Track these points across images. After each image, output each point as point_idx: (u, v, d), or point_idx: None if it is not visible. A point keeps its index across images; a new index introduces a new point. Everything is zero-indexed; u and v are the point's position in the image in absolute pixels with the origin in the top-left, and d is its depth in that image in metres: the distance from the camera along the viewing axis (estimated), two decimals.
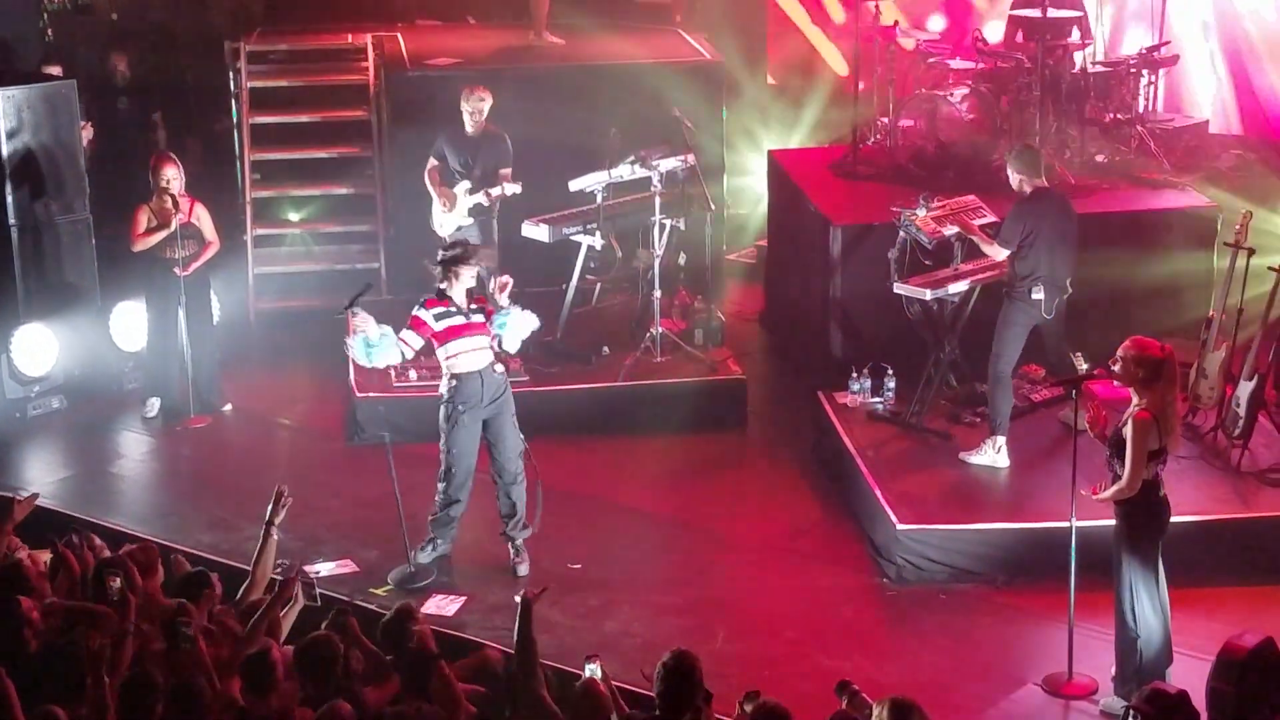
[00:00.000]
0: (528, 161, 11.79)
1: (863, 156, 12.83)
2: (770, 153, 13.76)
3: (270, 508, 7.71)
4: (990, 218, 10.46)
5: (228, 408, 11.78)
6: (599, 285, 12.60)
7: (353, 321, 9.20)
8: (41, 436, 11.53)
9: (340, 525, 9.99)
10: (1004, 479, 9.94)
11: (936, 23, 14.47)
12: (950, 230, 10.36)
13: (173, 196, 11.12)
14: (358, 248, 13.89)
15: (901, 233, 10.42)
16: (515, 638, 6.69)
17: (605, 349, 11.83)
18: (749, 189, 14.75)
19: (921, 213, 10.37)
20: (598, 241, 11.65)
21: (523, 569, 9.36)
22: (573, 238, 11.70)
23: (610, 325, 12.33)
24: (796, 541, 9.89)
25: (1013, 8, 13.16)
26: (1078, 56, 12.80)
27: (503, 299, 9.31)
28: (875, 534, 9.63)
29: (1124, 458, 7.70)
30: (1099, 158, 12.54)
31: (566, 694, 6.53)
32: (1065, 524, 8.08)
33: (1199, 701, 6.10)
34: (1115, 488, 7.77)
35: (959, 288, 10.29)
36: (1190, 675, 7.26)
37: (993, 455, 9.97)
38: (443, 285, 9.19)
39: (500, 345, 9.27)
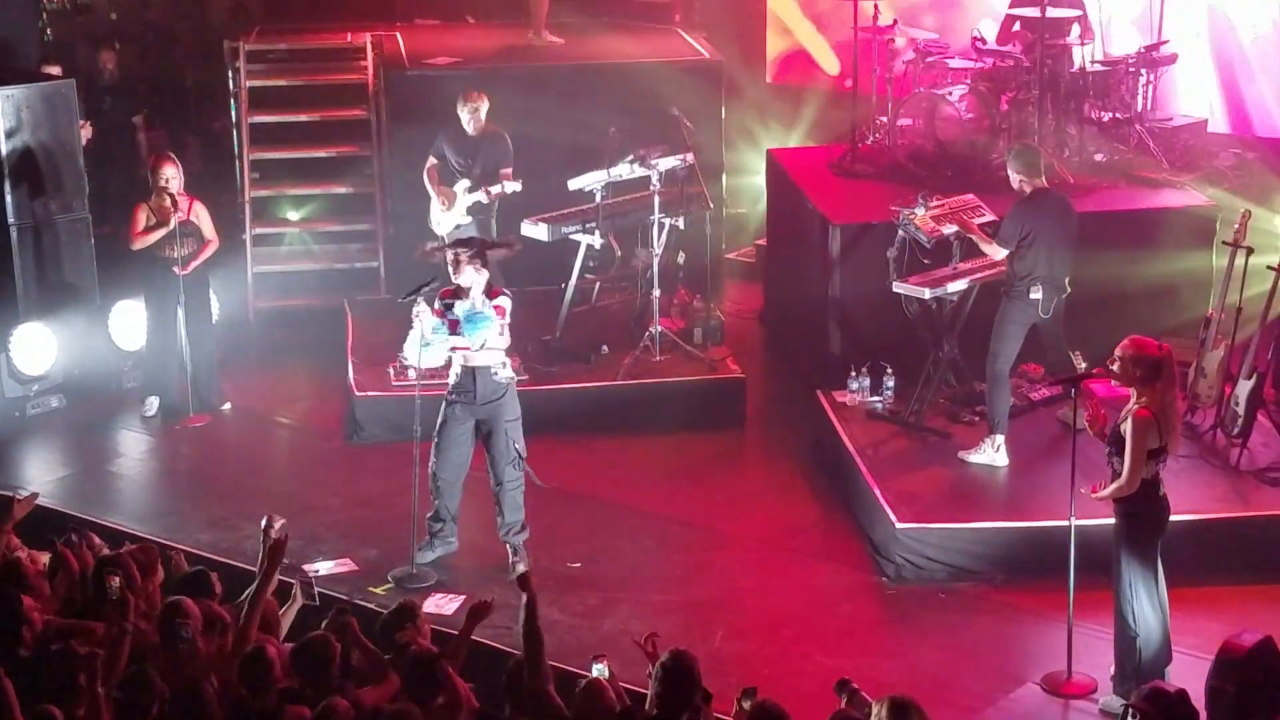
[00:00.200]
0: (527, 160, 11.80)
1: (862, 155, 12.83)
2: (769, 152, 13.76)
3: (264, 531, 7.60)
4: (989, 217, 10.46)
5: (227, 406, 11.79)
6: (598, 284, 12.59)
7: (415, 310, 9.11)
8: (40, 435, 11.53)
9: (339, 524, 10.00)
10: (1003, 478, 9.94)
11: (928, 20, 14.45)
12: (949, 229, 10.37)
13: (171, 195, 11.12)
14: (357, 247, 13.88)
15: (900, 232, 10.43)
16: (522, 632, 6.67)
17: (604, 348, 11.83)
18: (748, 188, 14.75)
19: (920, 212, 10.37)
20: (597, 240, 11.66)
21: (522, 568, 9.34)
22: (572, 237, 11.70)
23: (609, 324, 12.32)
24: (795, 540, 9.89)
25: (1011, 6, 13.15)
26: (1077, 55, 12.80)
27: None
28: (874, 533, 9.64)
29: (1123, 456, 7.70)
30: (1098, 157, 12.54)
31: (568, 693, 6.52)
32: (1064, 523, 8.09)
33: (1198, 700, 6.11)
34: (1114, 486, 7.77)
35: (958, 287, 10.30)
36: (1189, 674, 7.27)
37: (991, 454, 9.97)
38: (456, 278, 9.17)
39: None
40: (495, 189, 11.46)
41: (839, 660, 8.28)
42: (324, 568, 9.30)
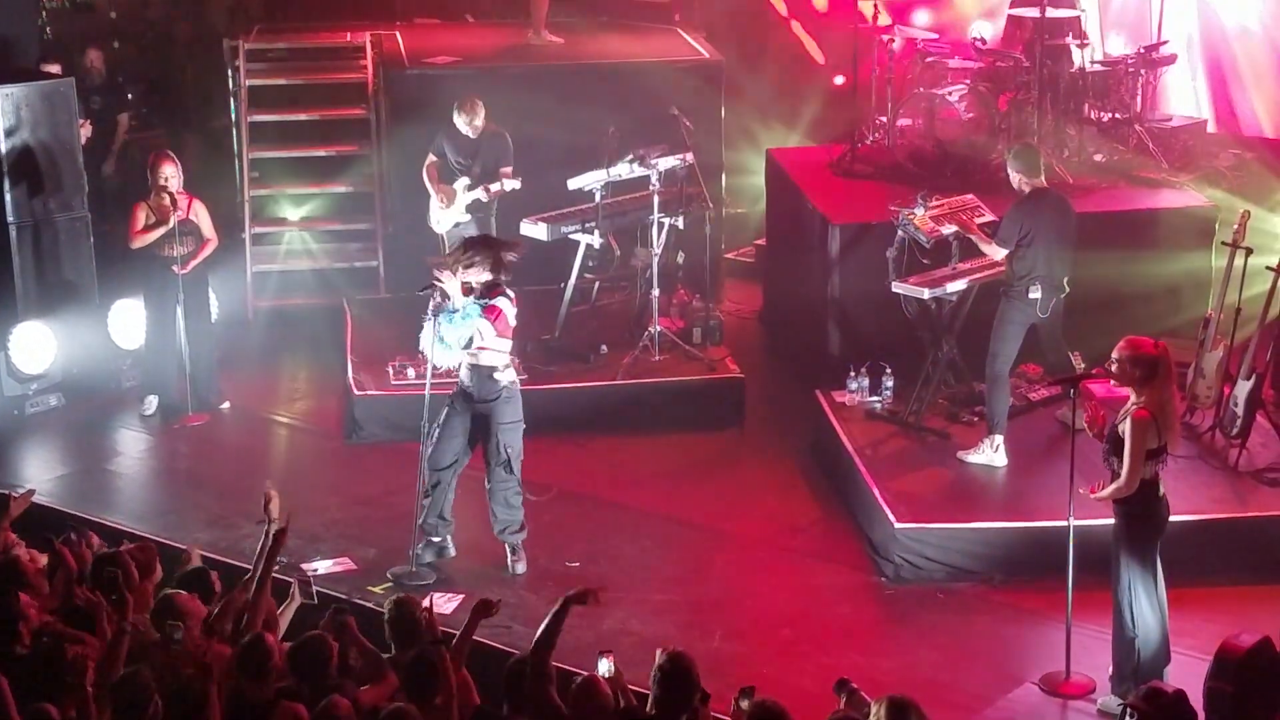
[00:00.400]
0: (526, 160, 11.80)
1: (861, 155, 12.83)
2: (769, 151, 13.76)
3: (265, 510, 7.63)
4: (989, 217, 10.46)
5: (225, 405, 11.78)
6: (597, 284, 12.59)
7: (438, 288, 9.06)
8: (39, 434, 11.53)
9: (338, 523, 9.99)
10: (1002, 478, 9.94)
11: (921, 17, 14.46)
12: (948, 229, 10.37)
13: (171, 194, 11.11)
14: (356, 246, 13.88)
15: (900, 232, 10.43)
16: (541, 633, 6.66)
17: (604, 348, 11.83)
18: (747, 188, 14.74)
19: (920, 212, 10.37)
20: (596, 240, 11.66)
21: (520, 567, 9.36)
22: (571, 236, 11.70)
23: (609, 324, 12.33)
24: (794, 540, 9.89)
25: (1011, 6, 13.16)
26: (1076, 56, 12.80)
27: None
28: (873, 533, 9.64)
29: (1122, 456, 7.70)
30: (1097, 157, 12.55)
31: (565, 691, 6.52)
32: (1063, 523, 8.08)
33: (1196, 701, 6.11)
34: (1114, 486, 7.77)
35: (957, 287, 10.30)
36: (1188, 675, 7.26)
37: (990, 454, 9.98)
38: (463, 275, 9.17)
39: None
40: (495, 187, 11.46)
41: (837, 660, 8.28)
42: (322, 567, 9.30)
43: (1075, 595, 8.05)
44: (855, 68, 13.17)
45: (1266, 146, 13.22)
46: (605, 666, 6.58)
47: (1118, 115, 12.68)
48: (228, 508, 10.11)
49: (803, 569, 9.55)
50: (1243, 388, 9.95)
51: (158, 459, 11.23)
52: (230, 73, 13.83)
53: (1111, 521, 7.93)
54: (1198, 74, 13.47)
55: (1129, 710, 6.00)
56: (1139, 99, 12.85)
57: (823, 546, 9.80)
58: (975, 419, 10.44)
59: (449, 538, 9.42)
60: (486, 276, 9.12)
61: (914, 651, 8.60)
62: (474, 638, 8.37)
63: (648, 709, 6.27)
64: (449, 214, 11.62)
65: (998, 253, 9.94)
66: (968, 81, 12.47)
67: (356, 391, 11.36)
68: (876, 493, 9.65)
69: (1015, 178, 9.86)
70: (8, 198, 11.66)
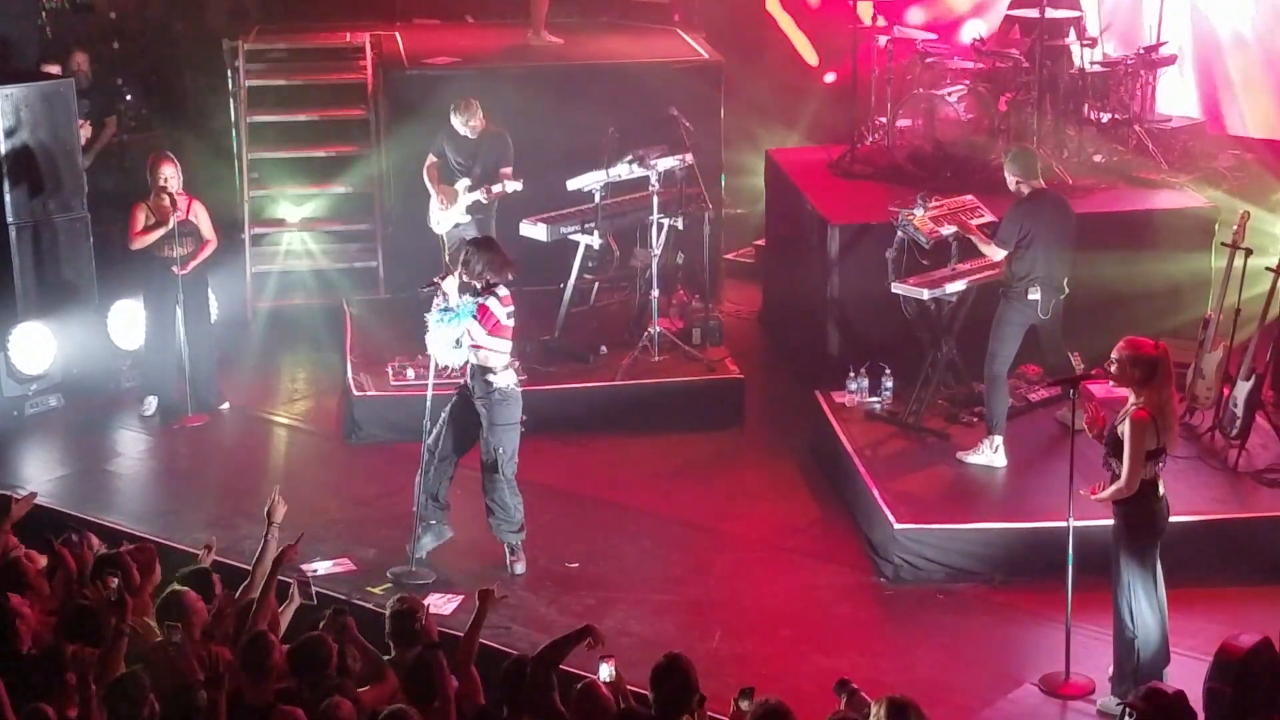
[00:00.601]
0: (526, 160, 11.79)
1: (861, 156, 12.83)
2: (768, 152, 13.76)
3: (267, 515, 7.68)
4: (988, 217, 10.46)
5: (225, 406, 11.78)
6: (597, 284, 12.59)
7: (440, 286, 9.10)
8: (39, 434, 11.53)
9: (338, 524, 9.99)
10: (1001, 479, 9.94)
11: (915, 15, 14.46)
12: (948, 230, 10.37)
13: (170, 195, 11.11)
14: (356, 246, 13.88)
15: (899, 232, 10.43)
16: (549, 648, 6.68)
17: (603, 348, 11.83)
18: (747, 188, 14.74)
19: (919, 212, 10.37)
20: (596, 241, 11.65)
21: (519, 568, 9.36)
22: (571, 237, 11.70)
23: (608, 325, 12.33)
24: (793, 540, 9.89)
25: (1011, 7, 13.16)
26: (1075, 56, 12.81)
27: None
28: (872, 533, 9.64)
29: (1122, 457, 7.70)
30: (1097, 158, 12.55)
31: (566, 694, 6.52)
32: (1063, 524, 8.08)
33: (1196, 702, 6.11)
34: (1114, 487, 7.77)
35: (956, 287, 10.30)
36: (1188, 675, 7.27)
37: (990, 455, 9.98)
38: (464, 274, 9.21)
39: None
40: (495, 188, 11.46)
41: (837, 660, 8.28)
42: (322, 567, 9.30)
43: (1075, 596, 8.05)
44: (855, 69, 13.17)
45: (1266, 147, 13.22)
46: (606, 671, 6.58)
47: (1117, 116, 12.69)
48: (227, 508, 10.12)
49: (803, 569, 9.54)
50: (1242, 388, 9.95)
51: (157, 460, 11.23)
52: (230, 73, 13.82)
53: (1111, 522, 7.93)
54: (1187, 76, 13.48)
55: (1128, 710, 6.00)
56: (1138, 100, 12.85)
57: (822, 547, 9.80)
58: (975, 420, 10.45)
59: (444, 523, 9.45)
60: (484, 277, 9.14)
61: (914, 652, 8.61)
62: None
63: (645, 709, 6.27)
64: (449, 215, 11.61)
65: (997, 254, 9.95)
66: (967, 82, 12.47)
67: (356, 392, 11.36)
68: (876, 493, 9.65)
69: (1012, 180, 9.86)
70: (7, 198, 11.65)
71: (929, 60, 12.86)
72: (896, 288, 10.31)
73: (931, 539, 9.33)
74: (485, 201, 11.52)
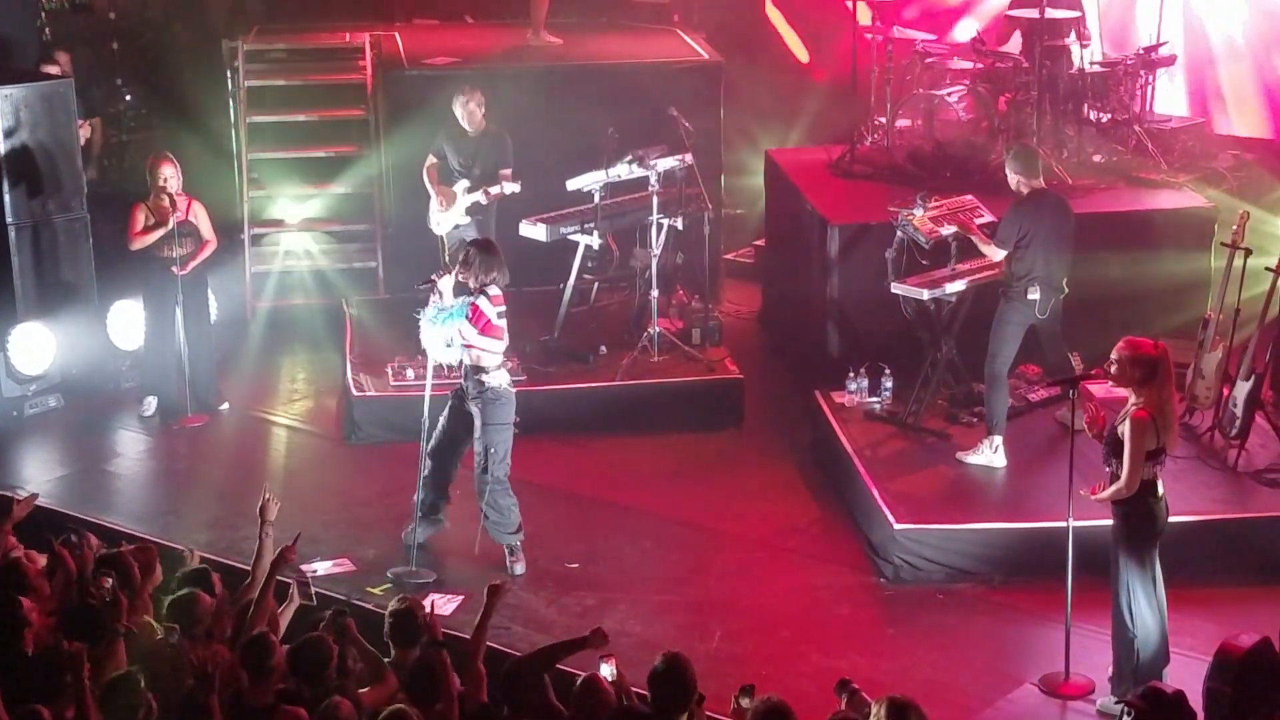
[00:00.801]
0: (525, 161, 11.79)
1: (860, 156, 12.83)
2: (768, 152, 13.76)
3: (260, 513, 7.70)
4: (988, 217, 10.46)
5: (224, 406, 11.78)
6: (596, 285, 12.60)
7: (436, 284, 9.14)
8: (38, 435, 11.53)
9: (337, 524, 9.99)
10: (1001, 479, 9.94)
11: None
12: (947, 230, 10.37)
13: (170, 195, 11.11)
14: (355, 246, 13.87)
15: (899, 232, 10.43)
16: (544, 651, 6.69)
17: (603, 348, 11.83)
18: (747, 188, 14.74)
19: (919, 212, 10.37)
20: (595, 241, 11.66)
21: (519, 568, 9.36)
22: (570, 237, 11.70)
23: (608, 325, 12.33)
24: (793, 541, 9.89)
25: (1011, 7, 13.16)
26: (1075, 57, 12.80)
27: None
28: (872, 533, 9.64)
29: (1122, 458, 7.70)
30: (1096, 158, 12.55)
31: (566, 692, 6.52)
32: (1062, 524, 8.09)
33: (1196, 701, 6.11)
34: (1114, 488, 7.77)
35: (956, 288, 10.30)
36: (1187, 675, 7.27)
37: (990, 455, 9.98)
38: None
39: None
40: (494, 190, 11.45)
41: (837, 661, 8.29)
42: (322, 568, 9.30)
43: (1074, 596, 8.05)
44: (855, 69, 13.16)
45: (1266, 147, 13.23)
46: (607, 671, 6.58)
47: (1117, 116, 12.69)
48: (227, 508, 10.11)
49: (802, 570, 9.54)
50: (1242, 388, 9.95)
51: (157, 460, 11.23)
52: (229, 74, 13.83)
53: (1110, 522, 7.93)
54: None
55: (1127, 709, 6.00)
56: (1138, 100, 12.85)
57: (822, 547, 9.80)
58: (974, 420, 10.44)
59: (442, 515, 9.51)
60: (479, 277, 9.15)
61: (913, 652, 8.60)
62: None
63: (644, 707, 6.28)
64: (448, 216, 11.61)
65: (996, 254, 9.95)
66: (966, 82, 12.48)
67: (356, 392, 11.36)
68: (876, 493, 9.65)
69: (1014, 179, 9.86)
70: (6, 199, 11.65)
71: (928, 60, 12.86)
72: (896, 288, 10.31)
73: (931, 539, 9.33)
74: (485, 203, 11.52)
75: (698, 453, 11.04)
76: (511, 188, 11.45)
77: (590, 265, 12.22)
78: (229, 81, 13.85)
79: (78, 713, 6.22)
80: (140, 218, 11.22)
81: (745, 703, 6.32)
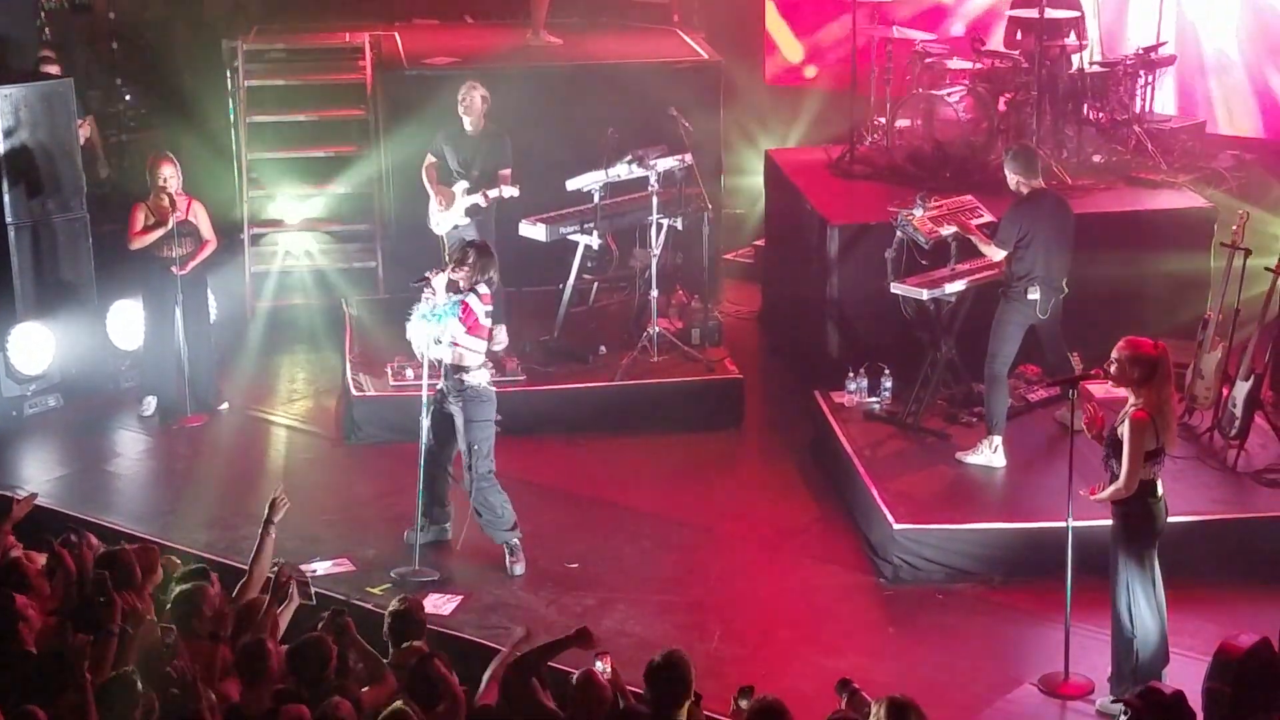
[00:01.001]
0: (525, 161, 11.77)
1: (860, 156, 12.83)
2: (767, 152, 13.76)
3: (268, 510, 7.73)
4: (987, 218, 10.47)
5: (224, 406, 11.78)
6: (596, 285, 12.59)
7: (430, 281, 9.17)
8: (38, 435, 11.53)
9: (337, 524, 9.99)
10: (1000, 479, 9.94)
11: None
12: (947, 230, 10.37)
13: (170, 195, 11.11)
14: (355, 246, 13.87)
15: (899, 233, 10.43)
16: (534, 652, 6.69)
17: (602, 348, 11.84)
18: (746, 188, 14.75)
19: (918, 213, 10.37)
20: (595, 241, 11.65)
21: (518, 568, 9.36)
22: (570, 237, 11.70)
23: (607, 325, 12.33)
24: (793, 540, 9.89)
25: (1012, 7, 13.16)
26: (1075, 57, 12.80)
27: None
28: (872, 533, 9.64)
29: (1120, 459, 7.70)
30: (1096, 158, 12.55)
31: (565, 692, 6.53)
32: (1062, 524, 8.09)
33: (1195, 702, 6.11)
34: (1113, 488, 7.77)
35: (955, 288, 10.29)
36: (1186, 675, 7.26)
37: (989, 455, 9.98)
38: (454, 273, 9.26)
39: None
40: (493, 193, 11.43)
41: (836, 661, 8.28)
42: (321, 568, 9.30)
43: (1074, 596, 8.05)
44: (854, 69, 13.16)
45: (1265, 147, 13.23)
46: (601, 669, 6.57)
47: (1116, 116, 12.69)
48: (226, 508, 10.12)
49: (801, 569, 9.54)
50: (1241, 389, 9.95)
51: (156, 460, 11.22)
52: (229, 73, 13.83)
53: (1110, 522, 7.93)
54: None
55: (1125, 709, 5.99)
56: (1138, 100, 12.85)
57: (822, 547, 9.80)
58: (974, 420, 10.44)
59: (445, 523, 9.55)
60: (474, 276, 9.16)
61: (913, 652, 8.61)
62: (472, 638, 8.40)
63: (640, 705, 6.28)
64: (448, 216, 11.60)
65: (996, 254, 9.95)
66: (966, 82, 12.47)
67: (355, 392, 11.36)
68: (875, 493, 9.65)
69: (1013, 179, 9.86)
70: (6, 199, 11.65)
71: (928, 60, 12.86)
72: (896, 288, 10.31)
73: (931, 539, 9.33)
74: (484, 205, 11.50)
75: (698, 453, 11.04)
76: (510, 191, 11.42)
77: (590, 265, 12.21)
78: (229, 81, 13.86)
79: (79, 712, 6.22)
80: (140, 217, 11.22)
81: (745, 704, 6.32)
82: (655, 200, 11.52)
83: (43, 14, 15.30)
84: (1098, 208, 11.56)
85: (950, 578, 9.28)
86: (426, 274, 9.29)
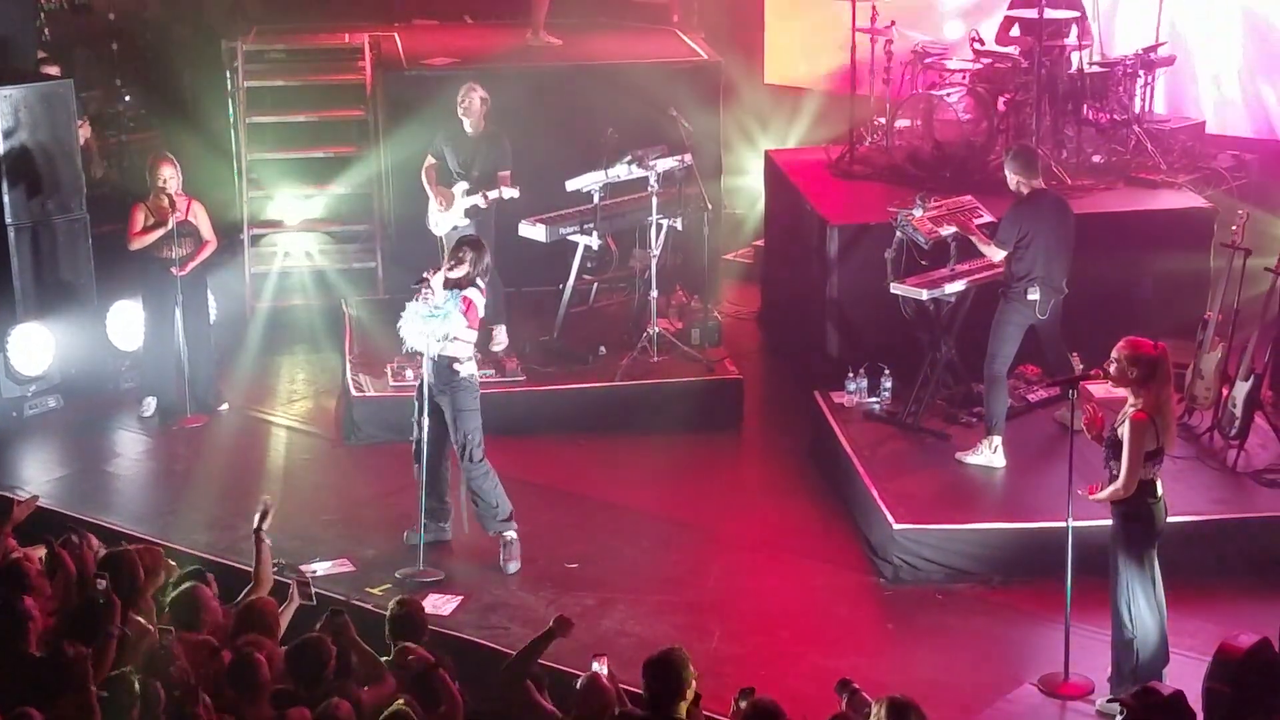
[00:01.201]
0: (525, 161, 11.77)
1: (860, 157, 12.83)
2: (767, 153, 13.76)
3: (256, 519, 7.73)
4: (987, 218, 10.46)
5: (224, 407, 11.78)
6: (596, 285, 12.60)
7: (429, 282, 9.20)
8: (38, 435, 11.53)
9: (337, 524, 10.00)
10: (1000, 479, 9.94)
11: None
12: (947, 230, 10.37)
13: (169, 196, 11.12)
14: (355, 247, 13.87)
15: (898, 233, 10.43)
16: (517, 658, 6.71)
17: (602, 349, 11.83)
18: (746, 189, 14.75)
19: (918, 213, 10.37)
20: (595, 241, 11.65)
21: (512, 566, 9.35)
22: (570, 238, 11.70)
23: (607, 325, 12.33)
24: (793, 541, 9.89)
25: (1011, 7, 13.16)
26: (1074, 57, 12.80)
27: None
28: (871, 533, 9.64)
29: (1120, 459, 7.70)
30: (1096, 158, 12.55)
31: (565, 693, 6.53)
32: (1062, 524, 8.08)
33: (1195, 702, 6.11)
34: (1112, 488, 7.77)
35: (955, 288, 10.30)
36: (1186, 676, 7.27)
37: (989, 455, 9.98)
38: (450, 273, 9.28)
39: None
40: (493, 194, 11.43)
41: (836, 661, 8.27)
42: (321, 568, 9.30)
43: (1074, 596, 8.05)
44: (854, 69, 13.16)
45: (1266, 147, 13.23)
46: (598, 668, 6.58)
47: (1116, 116, 12.69)
48: (226, 509, 10.12)
49: (801, 570, 9.54)
50: (1241, 389, 9.95)
51: (156, 460, 11.22)
52: (228, 74, 13.82)
53: (1109, 522, 7.93)
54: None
55: (1122, 709, 6.00)
56: (1137, 100, 12.85)
57: (821, 547, 9.79)
58: (974, 420, 10.44)
59: (445, 523, 9.55)
60: (471, 271, 9.18)
61: (913, 652, 8.61)
62: (472, 639, 8.40)
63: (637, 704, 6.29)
64: (447, 217, 11.60)
65: (996, 254, 9.95)
66: (966, 83, 12.47)
67: (355, 393, 11.36)
68: (875, 494, 9.65)
69: (1013, 179, 9.86)
70: (6, 199, 11.64)
71: (928, 60, 12.86)
72: (895, 288, 10.31)
73: (930, 539, 9.33)
74: (483, 206, 11.50)
75: (697, 452, 11.03)
76: (510, 193, 11.42)
77: (590, 266, 12.22)
78: (228, 82, 13.85)
79: (80, 715, 6.23)
80: (140, 218, 11.22)
81: (744, 705, 6.32)
82: (655, 200, 11.52)
83: (43, 14, 15.30)
84: (1098, 208, 11.56)
85: (950, 578, 9.28)
86: (425, 275, 9.30)
